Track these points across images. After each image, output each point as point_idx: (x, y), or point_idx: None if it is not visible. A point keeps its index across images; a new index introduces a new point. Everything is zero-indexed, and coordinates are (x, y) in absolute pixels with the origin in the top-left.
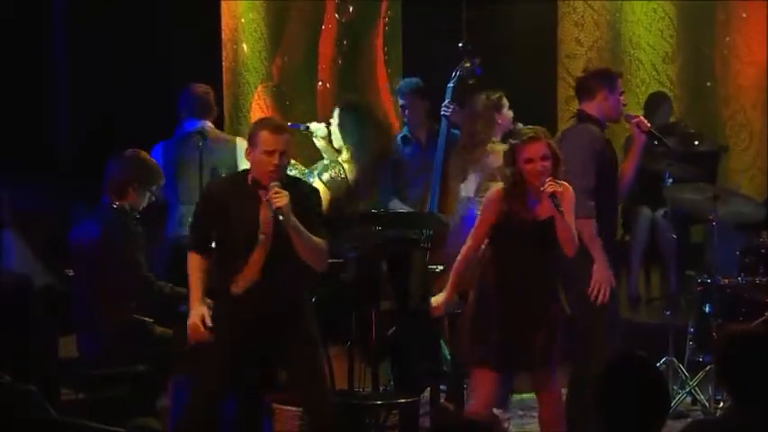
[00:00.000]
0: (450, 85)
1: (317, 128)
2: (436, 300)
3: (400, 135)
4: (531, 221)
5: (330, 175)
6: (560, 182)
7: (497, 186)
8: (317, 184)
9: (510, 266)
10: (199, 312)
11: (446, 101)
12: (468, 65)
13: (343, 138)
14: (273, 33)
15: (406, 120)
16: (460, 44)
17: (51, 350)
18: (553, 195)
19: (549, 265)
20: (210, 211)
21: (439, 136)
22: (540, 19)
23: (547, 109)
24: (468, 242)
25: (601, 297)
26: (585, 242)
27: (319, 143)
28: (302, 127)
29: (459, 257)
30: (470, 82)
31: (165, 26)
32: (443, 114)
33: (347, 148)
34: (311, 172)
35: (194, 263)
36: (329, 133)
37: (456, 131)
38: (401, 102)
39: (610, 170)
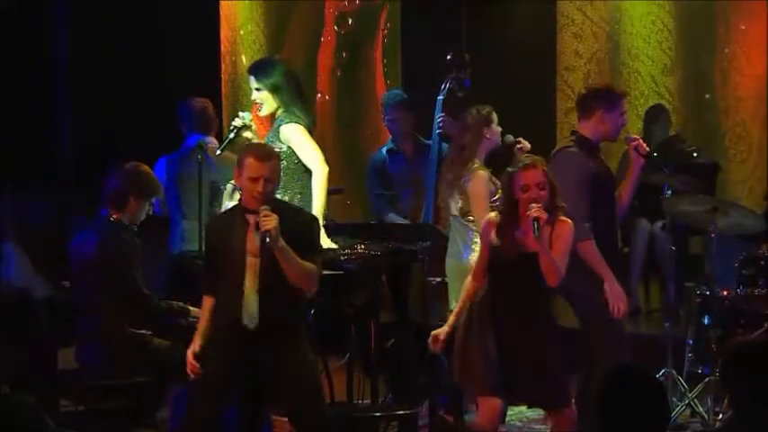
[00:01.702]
0: (440, 97)
1: (244, 117)
2: (435, 332)
3: (386, 148)
4: (523, 252)
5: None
6: (561, 218)
7: (490, 215)
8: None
9: (503, 296)
10: (193, 347)
11: (438, 114)
12: (456, 77)
13: (281, 99)
14: (272, 45)
15: (391, 130)
16: (449, 56)
17: (50, 362)
18: (536, 220)
19: (542, 296)
20: (211, 251)
21: (430, 150)
22: (539, 31)
23: (545, 121)
24: (470, 281)
25: (622, 314)
26: (590, 263)
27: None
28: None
29: (463, 295)
30: (460, 95)
31: (164, 38)
32: (438, 128)
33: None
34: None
35: (206, 305)
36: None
37: (444, 144)
38: (387, 115)
39: (604, 189)
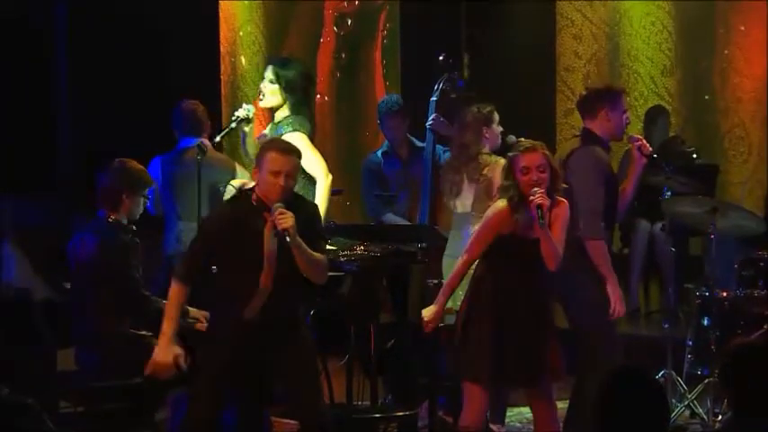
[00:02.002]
0: (433, 98)
1: (248, 109)
2: (427, 312)
3: (381, 150)
4: (528, 238)
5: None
6: (559, 198)
7: (501, 203)
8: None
9: (504, 281)
10: (173, 351)
11: (430, 115)
12: (450, 78)
13: (290, 99)
14: (271, 46)
15: (387, 134)
16: (441, 57)
17: (50, 363)
18: (539, 207)
19: (543, 281)
20: (209, 245)
21: (424, 152)
22: (539, 32)
23: (545, 122)
24: (464, 256)
25: (620, 314)
26: (597, 263)
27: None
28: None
29: (453, 271)
30: (453, 95)
31: (163, 39)
32: (429, 128)
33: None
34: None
35: (176, 294)
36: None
37: (440, 146)
38: (382, 122)
39: (612, 189)
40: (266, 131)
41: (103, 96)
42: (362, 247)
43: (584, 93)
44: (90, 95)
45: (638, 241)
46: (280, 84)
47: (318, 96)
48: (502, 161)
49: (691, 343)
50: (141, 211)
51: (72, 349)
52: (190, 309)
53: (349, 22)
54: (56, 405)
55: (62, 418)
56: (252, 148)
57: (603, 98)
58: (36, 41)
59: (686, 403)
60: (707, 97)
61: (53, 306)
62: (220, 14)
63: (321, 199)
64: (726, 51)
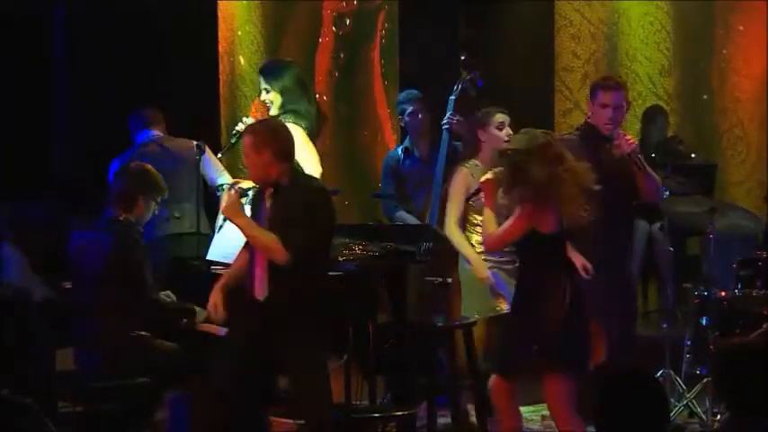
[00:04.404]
0: (453, 97)
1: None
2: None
3: (401, 147)
4: (554, 231)
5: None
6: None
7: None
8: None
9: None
10: (213, 298)
11: (448, 113)
12: (470, 77)
13: (288, 101)
14: (270, 46)
15: (408, 129)
16: (463, 57)
17: (49, 363)
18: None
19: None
20: None
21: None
22: (537, 32)
23: (543, 122)
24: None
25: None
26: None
27: None
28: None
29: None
30: (472, 94)
31: (162, 40)
32: (445, 127)
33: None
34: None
35: (240, 257)
36: None
37: (458, 143)
38: (408, 109)
39: (610, 183)
40: None
41: (103, 96)
42: (360, 247)
43: None
44: (90, 95)
45: (636, 241)
46: (275, 90)
47: (317, 96)
48: (463, 168)
49: (689, 342)
50: (149, 218)
51: (70, 349)
52: (197, 308)
53: (347, 22)
54: (55, 405)
55: (61, 418)
56: None
57: (590, 89)
58: (36, 41)
59: (685, 403)
60: (705, 97)
61: (53, 306)
62: (219, 14)
63: None
64: (724, 51)
